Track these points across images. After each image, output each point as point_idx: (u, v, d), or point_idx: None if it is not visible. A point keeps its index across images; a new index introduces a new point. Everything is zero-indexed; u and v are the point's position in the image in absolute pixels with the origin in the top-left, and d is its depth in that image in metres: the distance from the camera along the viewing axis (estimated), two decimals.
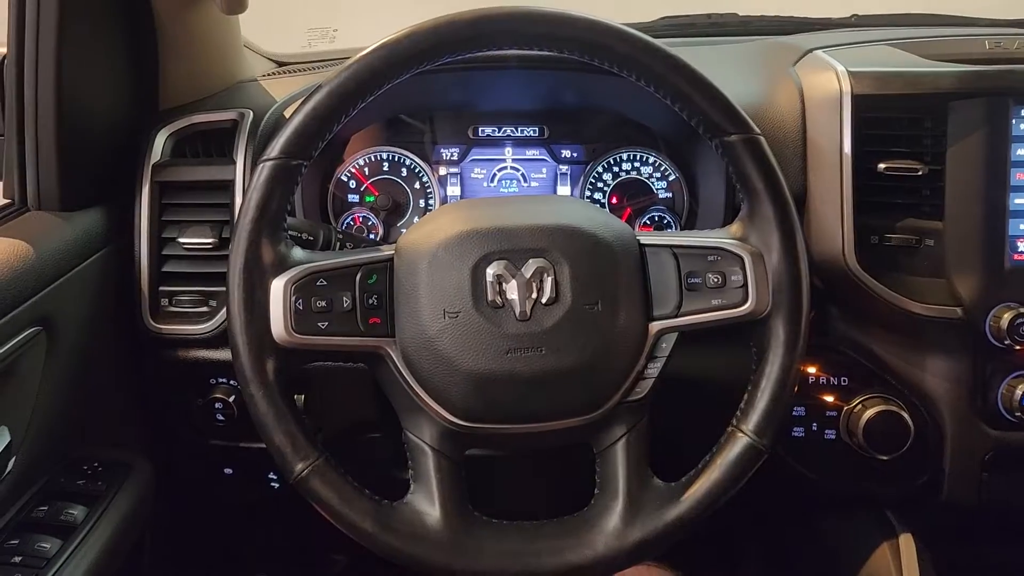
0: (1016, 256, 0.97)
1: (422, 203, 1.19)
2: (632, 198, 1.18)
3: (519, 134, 1.19)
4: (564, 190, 1.19)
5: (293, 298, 0.76)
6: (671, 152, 1.19)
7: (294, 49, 1.50)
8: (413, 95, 1.13)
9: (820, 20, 1.52)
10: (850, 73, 1.00)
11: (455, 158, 1.20)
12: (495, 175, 1.20)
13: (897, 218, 1.00)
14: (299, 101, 0.77)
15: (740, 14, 1.55)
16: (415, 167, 1.19)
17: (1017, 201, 0.97)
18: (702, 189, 1.15)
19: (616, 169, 1.19)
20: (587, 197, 1.19)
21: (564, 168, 1.19)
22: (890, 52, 1.09)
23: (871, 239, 1.00)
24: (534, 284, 0.76)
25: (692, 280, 0.80)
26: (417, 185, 1.19)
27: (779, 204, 0.79)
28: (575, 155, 1.20)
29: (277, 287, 0.76)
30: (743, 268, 0.79)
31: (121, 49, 1.07)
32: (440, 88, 1.13)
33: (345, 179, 1.19)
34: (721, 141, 0.80)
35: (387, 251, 0.81)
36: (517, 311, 0.76)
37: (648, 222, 1.16)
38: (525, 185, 1.20)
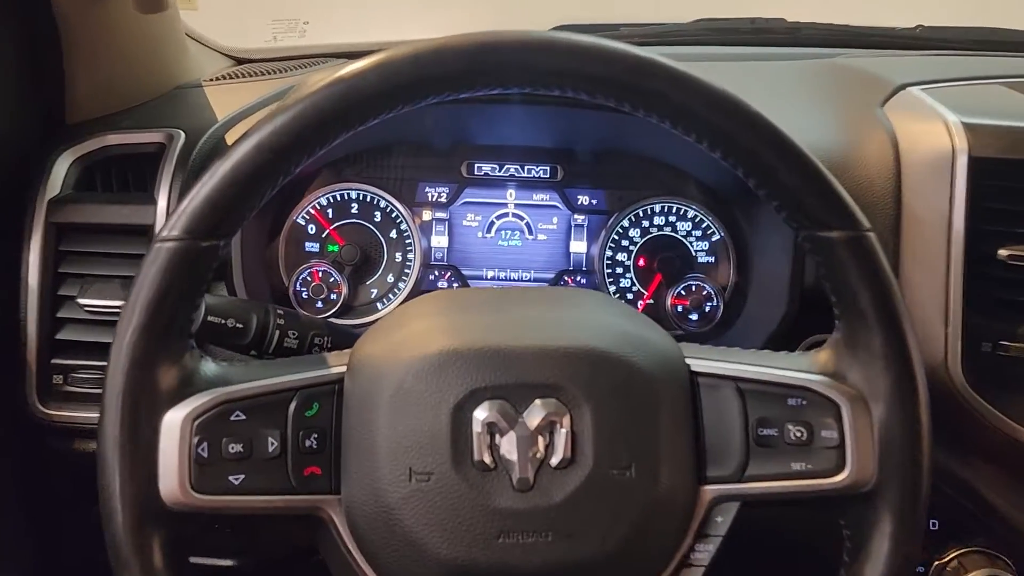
0: None
1: (399, 256, 0.97)
2: (665, 262, 0.96)
3: (526, 174, 0.97)
4: (579, 245, 0.97)
5: (195, 440, 0.55)
6: (716, 205, 0.97)
7: (258, 43, 1.27)
8: (393, 119, 0.90)
9: (881, 30, 1.32)
10: (966, 126, 0.78)
11: (443, 200, 0.97)
12: (492, 224, 0.98)
13: (1017, 320, 0.79)
14: (218, 161, 0.55)
15: (788, 20, 1.35)
16: (391, 210, 0.97)
17: None
18: (757, 258, 0.93)
19: (646, 223, 0.97)
20: (608, 257, 0.97)
21: (580, 218, 0.97)
22: (1008, 95, 0.87)
23: (982, 346, 0.79)
24: (541, 438, 0.55)
25: (764, 432, 0.58)
26: (393, 233, 0.97)
27: (894, 331, 0.57)
28: (595, 203, 0.97)
29: (172, 424, 0.54)
30: (839, 421, 0.58)
31: (9, 45, 0.85)
32: (428, 112, 0.91)
33: (302, 223, 0.96)
34: (813, 236, 0.58)
35: (336, 367, 0.59)
36: (515, 477, 0.54)
37: (683, 293, 0.95)
38: (530, 238, 0.98)
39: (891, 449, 0.57)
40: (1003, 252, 0.78)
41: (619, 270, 0.97)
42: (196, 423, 0.55)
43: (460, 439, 0.54)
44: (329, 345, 0.74)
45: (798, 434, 0.58)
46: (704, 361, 0.61)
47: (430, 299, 0.63)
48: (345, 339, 0.71)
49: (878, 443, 0.57)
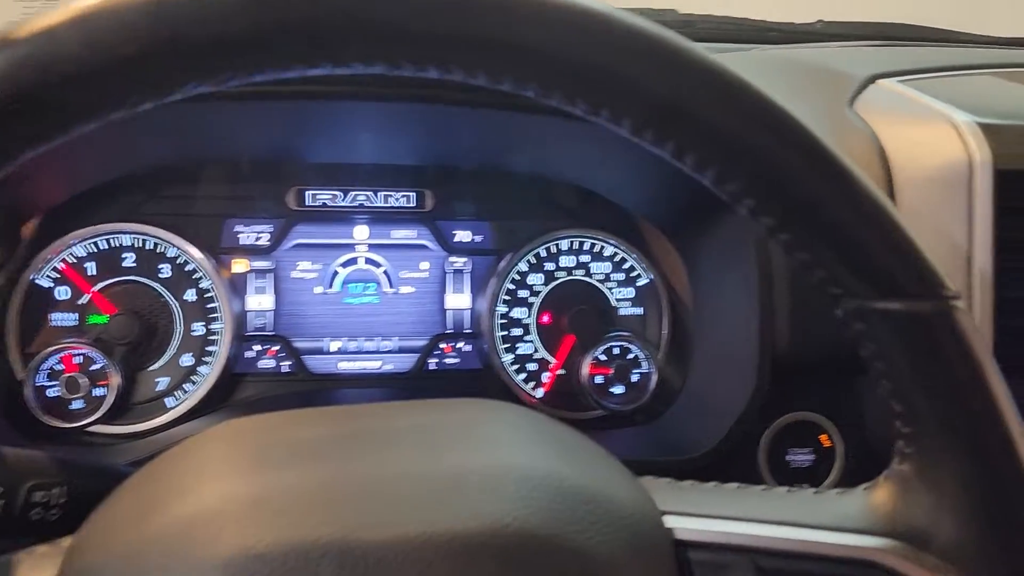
0: None
1: (198, 327, 0.68)
2: (578, 318, 0.72)
3: (381, 203, 0.71)
4: (459, 299, 0.72)
5: None
6: (643, 238, 0.74)
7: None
8: (182, 130, 0.63)
9: (780, 25, 1.17)
10: (985, 129, 0.59)
11: (264, 243, 0.70)
12: (336, 274, 0.71)
13: None
14: None
15: (679, 11, 1.18)
16: (185, 261, 0.68)
17: None
18: (703, 308, 0.71)
19: (550, 266, 0.73)
20: (501, 314, 0.72)
21: (459, 261, 0.72)
22: (1000, 86, 0.69)
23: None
24: None
25: None
26: (190, 294, 0.68)
27: (1009, 458, 0.36)
28: (479, 240, 0.73)
29: None
30: None
31: None
32: (235, 117, 0.64)
33: (46, 285, 0.66)
34: (866, 308, 0.36)
35: None
36: None
37: (603, 359, 0.71)
38: (391, 291, 0.72)
39: None
40: None
41: (516, 331, 0.73)
42: None
43: None
44: (62, 502, 0.46)
45: None
46: (694, 521, 0.37)
47: (221, 437, 0.36)
48: (99, 483, 0.44)
49: None
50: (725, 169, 0.35)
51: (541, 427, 0.41)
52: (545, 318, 0.73)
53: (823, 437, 0.66)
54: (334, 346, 0.71)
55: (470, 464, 0.36)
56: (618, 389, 0.71)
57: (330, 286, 0.71)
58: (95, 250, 0.66)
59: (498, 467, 0.36)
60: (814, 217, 0.36)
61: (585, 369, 0.71)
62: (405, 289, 0.72)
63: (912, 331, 0.36)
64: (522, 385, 0.72)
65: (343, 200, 0.70)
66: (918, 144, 0.62)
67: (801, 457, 0.66)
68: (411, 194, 0.71)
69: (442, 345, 0.72)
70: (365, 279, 0.72)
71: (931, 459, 0.37)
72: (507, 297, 0.72)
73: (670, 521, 0.37)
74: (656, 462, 0.66)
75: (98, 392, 0.64)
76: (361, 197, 0.70)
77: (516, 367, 0.72)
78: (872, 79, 0.70)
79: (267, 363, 0.70)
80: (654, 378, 0.71)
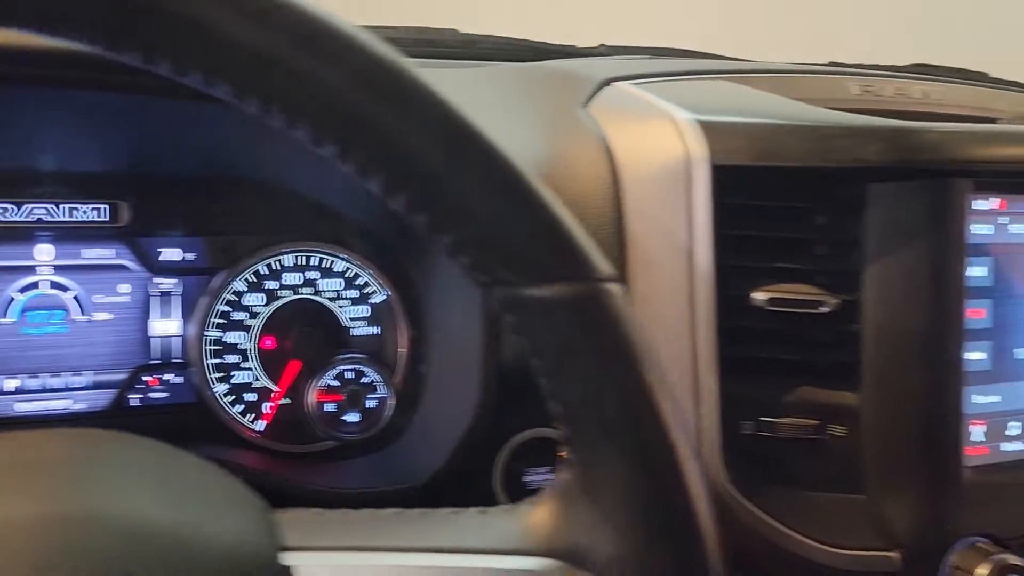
0: (972, 451, 0.60)
1: None
2: (304, 341, 0.66)
3: (65, 218, 0.62)
4: (166, 325, 0.64)
5: None
6: (378, 253, 0.69)
7: None
8: None
9: (562, 47, 1.16)
10: (703, 126, 0.57)
11: None
12: (12, 300, 0.62)
13: (784, 386, 0.59)
14: None
15: (460, 31, 1.16)
16: None
17: (972, 356, 0.60)
18: (435, 326, 0.66)
19: (272, 285, 0.66)
20: (213, 340, 0.65)
21: (166, 283, 0.64)
22: (740, 91, 0.69)
23: (742, 426, 0.58)
24: None
25: None
26: None
27: (667, 461, 0.33)
28: (189, 258, 0.65)
29: None
30: None
31: None
32: None
33: None
34: (512, 295, 0.33)
35: None
36: None
37: (334, 385, 0.65)
38: (83, 319, 0.63)
39: None
40: (760, 296, 0.58)
41: (232, 358, 0.65)
42: None
43: None
44: None
45: None
46: (317, 556, 0.32)
47: None
48: None
49: None
50: (345, 144, 0.31)
51: (146, 462, 0.34)
52: (267, 342, 0.66)
53: (564, 456, 0.62)
54: (10, 385, 0.61)
55: (25, 508, 0.29)
56: (352, 416, 0.65)
57: (4, 315, 0.61)
58: None
59: (57, 511, 0.29)
60: (450, 197, 0.31)
61: (312, 396, 0.64)
62: (100, 316, 0.63)
63: (562, 319, 0.32)
64: (239, 418, 0.65)
65: (16, 214, 0.61)
66: (642, 143, 0.60)
67: (540, 476, 0.62)
68: (102, 207, 0.63)
69: (146, 378, 0.64)
70: (49, 306, 0.62)
71: (590, 466, 0.33)
72: (221, 320, 0.65)
73: (289, 558, 0.31)
74: (387, 492, 0.61)
75: None
76: (40, 211, 0.61)
77: (232, 398, 0.65)
78: (607, 81, 0.69)
79: None
80: (390, 403, 0.66)
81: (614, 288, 0.33)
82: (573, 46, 1.16)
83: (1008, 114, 0.81)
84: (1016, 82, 0.98)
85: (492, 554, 0.33)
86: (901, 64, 1.03)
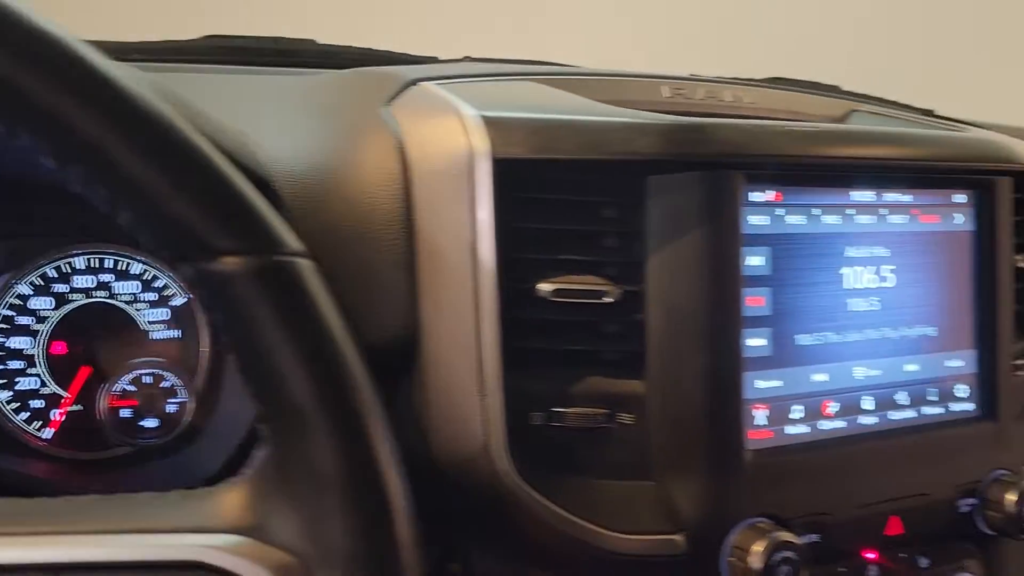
0: (754, 434, 0.62)
1: None
2: (95, 346, 0.64)
3: None
4: None
5: None
6: None
7: None
8: None
9: (426, 59, 1.17)
10: (486, 121, 0.59)
11: None
12: None
13: (573, 377, 0.60)
14: None
15: (318, 41, 1.15)
16: None
17: (752, 343, 0.62)
18: None
19: (62, 288, 0.64)
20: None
21: None
22: (540, 91, 0.71)
23: (531, 417, 0.59)
24: None
25: None
26: None
27: (354, 436, 0.33)
28: None
29: None
30: None
31: None
32: None
33: None
34: (197, 269, 0.32)
35: None
36: None
37: (129, 390, 0.63)
38: None
39: None
40: (545, 287, 0.59)
41: (16, 364, 0.63)
42: None
43: None
44: None
45: None
46: None
47: None
48: None
49: None
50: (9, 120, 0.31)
51: None
52: (58, 347, 0.64)
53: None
54: None
55: None
56: (150, 422, 0.64)
57: None
58: None
59: None
60: (121, 172, 0.31)
61: (104, 402, 0.63)
62: None
63: (246, 293, 0.32)
64: (24, 426, 0.63)
65: None
66: (432, 139, 0.61)
67: None
68: None
69: None
70: None
71: (282, 443, 0.33)
72: (3, 325, 0.63)
73: None
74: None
75: None
76: None
77: (16, 405, 0.63)
78: (414, 81, 0.69)
79: None
80: (190, 407, 0.64)
81: (301, 263, 0.33)
82: (435, 57, 1.17)
83: (815, 117, 0.85)
84: (866, 95, 1.03)
85: (175, 533, 0.32)
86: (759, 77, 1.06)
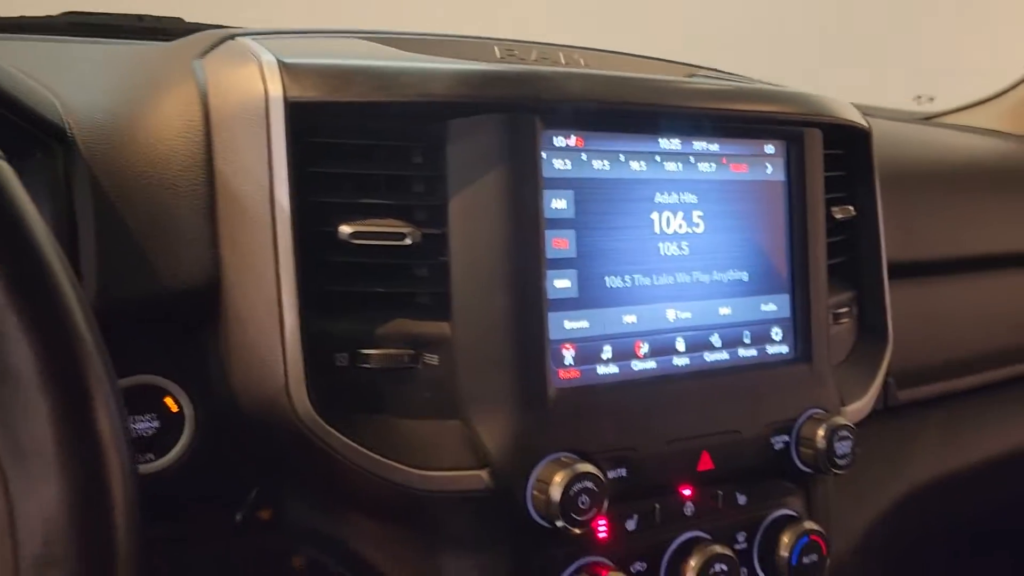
0: (562, 373, 0.64)
1: None
2: None
3: None
4: None
5: None
6: None
7: None
8: None
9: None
10: (283, 66, 0.59)
11: None
12: None
13: (375, 319, 0.61)
14: None
15: (186, 19, 1.14)
16: None
17: (558, 284, 0.64)
18: None
19: None
20: None
21: None
22: (355, 44, 0.71)
23: (336, 359, 0.60)
24: None
25: None
26: None
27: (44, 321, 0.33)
28: None
29: None
30: None
31: None
32: None
33: None
34: None
35: None
36: None
37: None
38: None
39: None
40: (347, 229, 0.60)
41: None
42: None
43: None
44: None
45: None
46: None
47: None
48: None
49: None
50: None
51: None
52: None
53: (168, 400, 0.62)
54: None
55: None
56: None
57: None
58: None
59: None
60: None
61: None
62: None
63: None
64: None
65: None
66: (231, 86, 0.62)
67: (144, 424, 0.61)
68: None
69: None
70: None
71: None
72: None
73: None
74: None
75: None
76: None
77: None
78: (231, 36, 0.69)
79: None
80: None
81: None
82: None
83: None
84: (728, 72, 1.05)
85: None
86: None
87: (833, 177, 0.81)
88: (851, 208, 0.84)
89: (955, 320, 1.07)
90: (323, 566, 0.63)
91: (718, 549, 0.67)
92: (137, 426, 0.61)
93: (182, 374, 0.62)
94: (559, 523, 0.59)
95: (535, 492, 0.60)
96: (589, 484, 0.59)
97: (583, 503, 0.59)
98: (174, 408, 0.62)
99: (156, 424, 0.61)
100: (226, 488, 0.64)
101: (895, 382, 0.99)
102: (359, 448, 0.58)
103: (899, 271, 0.92)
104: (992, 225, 1.11)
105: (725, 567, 0.67)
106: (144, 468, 0.60)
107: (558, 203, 0.63)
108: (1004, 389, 1.11)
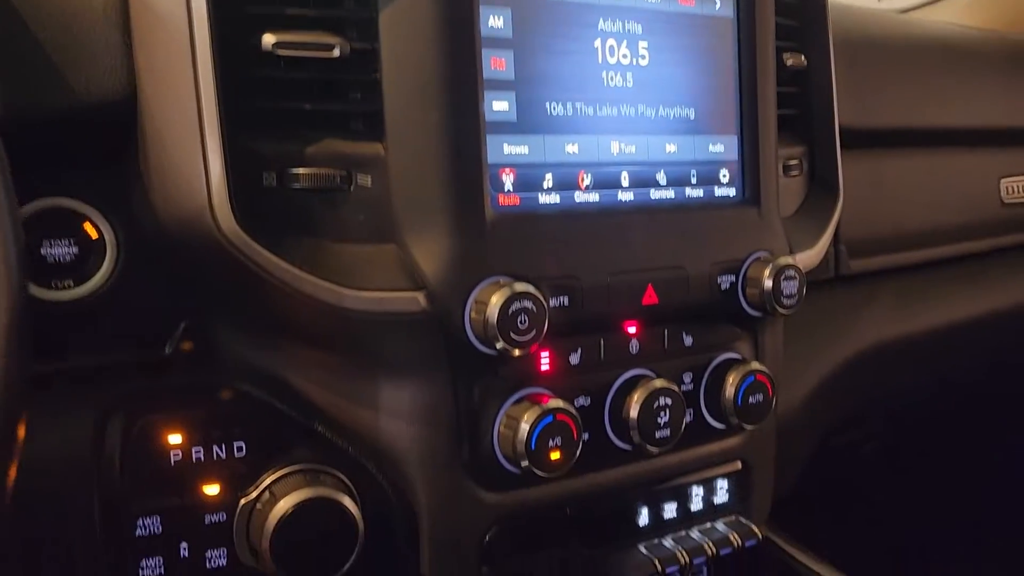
0: (502, 198, 0.62)
1: None
2: None
3: None
4: None
5: None
6: None
7: None
8: None
9: None
10: None
11: None
12: None
13: (306, 138, 0.58)
14: None
15: None
16: None
17: (496, 106, 0.62)
18: None
19: None
20: None
21: None
22: None
23: (264, 178, 0.57)
24: None
25: None
26: None
27: None
28: None
29: None
30: None
31: None
32: None
33: None
34: None
35: None
36: None
37: None
38: None
39: None
40: (269, 39, 0.57)
41: None
42: None
43: None
44: None
45: None
46: None
47: None
48: None
49: None
50: None
51: None
52: None
53: (88, 226, 0.59)
54: None
55: None
56: None
57: None
58: None
59: None
60: None
61: None
62: None
63: None
64: None
65: None
66: None
67: (60, 250, 0.58)
68: None
69: None
70: None
71: None
72: None
73: None
74: None
75: None
76: None
77: None
78: None
79: None
80: None
81: None
82: None
83: None
84: None
85: None
86: None
87: (786, 25, 0.80)
88: (803, 57, 0.82)
89: (907, 195, 1.07)
90: (252, 398, 0.61)
91: (662, 383, 0.66)
92: (53, 251, 0.58)
93: (102, 199, 0.59)
94: (499, 345, 0.57)
95: (472, 314, 0.58)
96: (528, 304, 0.58)
97: (522, 322, 0.58)
98: (94, 235, 0.59)
99: (74, 250, 0.58)
100: (154, 322, 0.61)
101: (847, 251, 0.98)
102: (288, 267, 0.56)
103: (852, 139, 0.91)
104: (948, 102, 1.10)
105: (669, 400, 0.66)
106: (62, 294, 0.58)
107: (495, 21, 0.61)
108: (951, 265, 1.11)
